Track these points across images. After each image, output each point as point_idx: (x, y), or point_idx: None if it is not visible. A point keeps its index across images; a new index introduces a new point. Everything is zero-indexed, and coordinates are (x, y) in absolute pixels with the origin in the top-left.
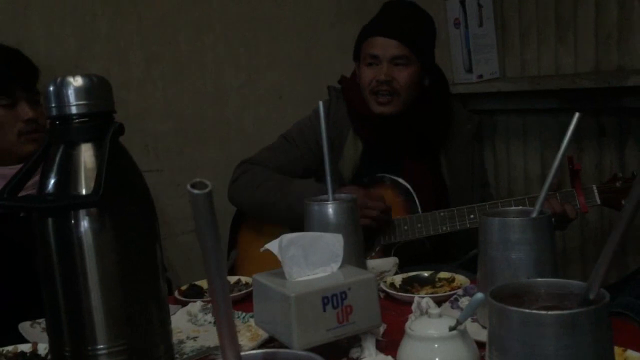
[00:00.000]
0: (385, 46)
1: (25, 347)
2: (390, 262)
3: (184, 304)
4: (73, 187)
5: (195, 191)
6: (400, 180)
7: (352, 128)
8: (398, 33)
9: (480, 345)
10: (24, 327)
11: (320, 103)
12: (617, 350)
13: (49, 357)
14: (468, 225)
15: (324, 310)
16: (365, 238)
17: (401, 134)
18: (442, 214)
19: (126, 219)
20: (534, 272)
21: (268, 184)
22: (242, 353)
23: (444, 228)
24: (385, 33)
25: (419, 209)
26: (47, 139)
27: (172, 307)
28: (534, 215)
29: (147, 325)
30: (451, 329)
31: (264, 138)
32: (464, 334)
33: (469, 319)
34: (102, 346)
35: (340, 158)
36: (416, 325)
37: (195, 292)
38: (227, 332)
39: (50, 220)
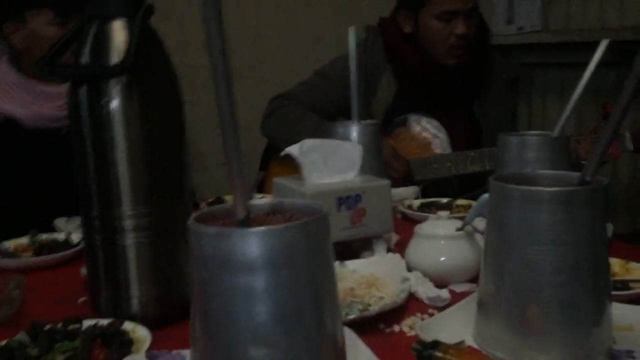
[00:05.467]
0: (463, 0)
1: (60, 236)
2: (411, 190)
3: None
4: (105, 58)
5: None
6: (432, 120)
7: (391, 69)
8: None
9: None
10: (60, 221)
11: (350, 29)
12: (620, 261)
13: (81, 243)
14: None
15: (339, 210)
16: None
17: (442, 82)
18: (472, 154)
19: (154, 91)
20: None
21: (303, 123)
22: (250, 201)
23: (474, 167)
24: None
25: (450, 149)
26: (82, 16)
27: None
28: (554, 135)
29: (169, 194)
30: (458, 229)
31: (300, 79)
32: (469, 235)
33: (480, 237)
34: (127, 209)
35: (372, 98)
36: (425, 226)
37: (221, 204)
38: (236, 165)
39: (83, 89)
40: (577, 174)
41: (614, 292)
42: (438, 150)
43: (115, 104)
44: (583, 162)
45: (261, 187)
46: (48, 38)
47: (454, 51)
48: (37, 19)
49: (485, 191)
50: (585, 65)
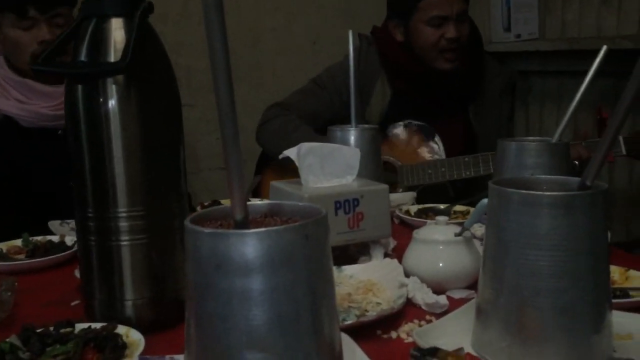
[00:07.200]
0: (451, 4)
1: (54, 238)
2: (408, 196)
3: None
4: (103, 57)
5: None
6: (427, 125)
7: (385, 76)
8: None
9: None
10: (54, 224)
11: (350, 32)
12: (620, 269)
13: (75, 246)
14: (492, 171)
15: (336, 214)
16: (387, 181)
17: (437, 87)
18: (466, 159)
19: (151, 90)
20: None
21: (296, 134)
22: (248, 203)
23: (468, 173)
24: None
25: (444, 155)
26: (80, 14)
27: None
28: (553, 141)
29: (165, 196)
30: (456, 234)
31: (296, 83)
32: (468, 241)
33: (479, 243)
34: (122, 210)
35: (367, 105)
36: (423, 231)
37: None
38: (235, 162)
39: (80, 88)
40: (576, 179)
41: (613, 300)
42: (433, 156)
43: (112, 103)
44: (575, 161)
45: (257, 192)
46: (15, 41)
47: (447, 55)
48: (5, 22)
49: (484, 197)
50: (582, 73)
